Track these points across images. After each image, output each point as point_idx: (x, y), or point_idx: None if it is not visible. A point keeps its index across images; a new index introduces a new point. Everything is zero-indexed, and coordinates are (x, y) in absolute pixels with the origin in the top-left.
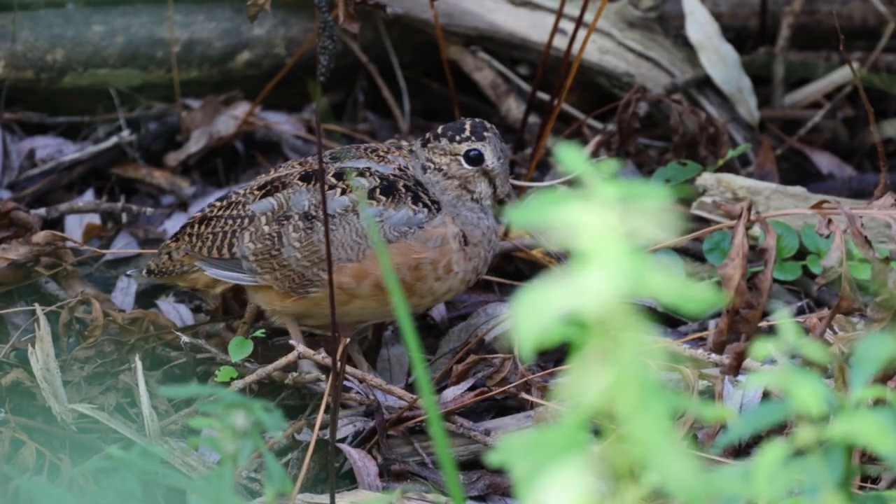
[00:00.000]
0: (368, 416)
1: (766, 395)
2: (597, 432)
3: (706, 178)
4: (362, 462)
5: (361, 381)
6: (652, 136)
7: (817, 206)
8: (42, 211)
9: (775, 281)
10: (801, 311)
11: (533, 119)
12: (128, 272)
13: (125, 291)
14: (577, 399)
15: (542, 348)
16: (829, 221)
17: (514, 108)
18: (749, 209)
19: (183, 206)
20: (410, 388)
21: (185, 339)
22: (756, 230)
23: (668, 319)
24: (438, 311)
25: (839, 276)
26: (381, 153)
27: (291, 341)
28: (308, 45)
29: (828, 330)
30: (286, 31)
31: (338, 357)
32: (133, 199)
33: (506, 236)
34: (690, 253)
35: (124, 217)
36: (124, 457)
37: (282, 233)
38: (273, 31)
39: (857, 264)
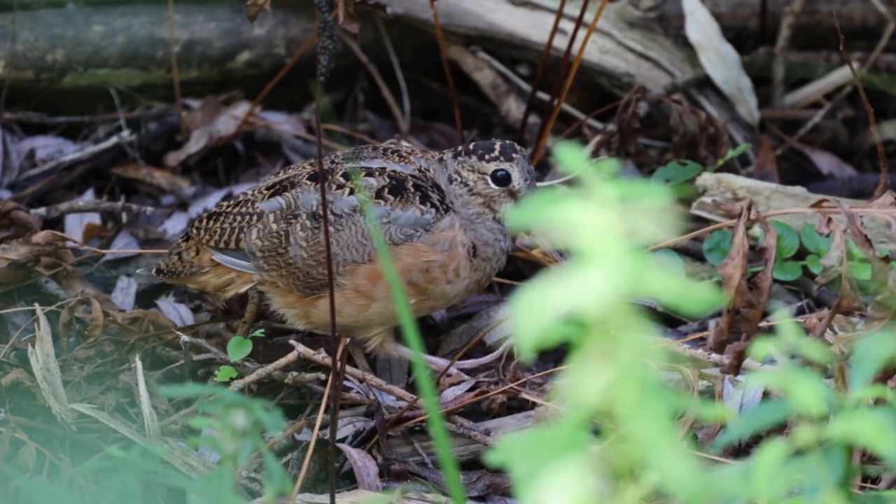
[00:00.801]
0: (368, 416)
1: (766, 395)
2: (597, 432)
3: (706, 178)
4: (362, 462)
5: (361, 380)
6: (652, 136)
7: (817, 205)
8: (42, 211)
9: (775, 281)
10: (801, 311)
11: (533, 119)
12: (137, 270)
13: (125, 291)
14: (576, 399)
15: (541, 348)
16: (829, 221)
17: (514, 108)
18: (749, 209)
19: (183, 206)
20: (411, 388)
21: (185, 338)
22: (756, 230)
23: (668, 319)
24: (439, 312)
25: (839, 275)
26: (404, 154)
27: (291, 341)
28: (308, 45)
29: (828, 330)
30: (286, 31)
31: (338, 357)
32: (133, 199)
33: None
34: (690, 253)
35: (124, 217)
36: (124, 457)
37: (289, 231)
38: (273, 31)
39: (857, 264)
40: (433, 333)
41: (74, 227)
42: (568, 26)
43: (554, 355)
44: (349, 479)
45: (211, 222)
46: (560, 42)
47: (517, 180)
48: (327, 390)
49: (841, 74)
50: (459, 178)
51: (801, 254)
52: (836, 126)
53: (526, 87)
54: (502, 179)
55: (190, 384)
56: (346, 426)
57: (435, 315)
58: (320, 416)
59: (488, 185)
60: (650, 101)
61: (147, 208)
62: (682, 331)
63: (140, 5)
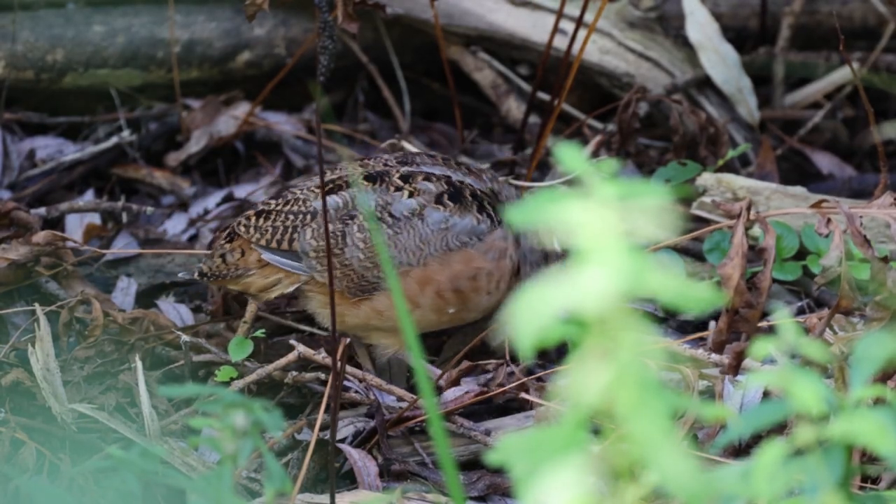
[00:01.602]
0: (369, 416)
1: (766, 395)
2: (597, 432)
3: (706, 179)
4: (362, 462)
5: (362, 380)
6: (652, 136)
7: (816, 205)
8: (42, 211)
9: (775, 281)
10: (801, 311)
11: (533, 119)
12: (179, 274)
13: (125, 291)
14: (576, 398)
15: (541, 347)
16: (829, 221)
17: (514, 108)
18: (748, 209)
19: (183, 206)
20: (411, 388)
21: (185, 338)
22: (756, 230)
23: (669, 319)
24: None
25: (839, 275)
26: (475, 170)
27: (291, 341)
28: (308, 45)
29: (827, 329)
30: (286, 31)
31: (338, 357)
32: (133, 200)
33: None
34: (691, 253)
35: (124, 217)
36: (124, 457)
37: (346, 232)
38: (273, 31)
39: (857, 264)
40: (433, 333)
41: (74, 227)
42: (568, 26)
43: (554, 354)
44: (349, 479)
45: (261, 220)
46: (560, 42)
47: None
48: (327, 390)
49: (841, 74)
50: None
51: (802, 254)
52: (836, 126)
53: (526, 87)
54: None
55: (190, 384)
56: (347, 426)
57: None
58: (320, 417)
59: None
60: (650, 102)
61: (147, 208)
62: (683, 330)
63: (140, 5)
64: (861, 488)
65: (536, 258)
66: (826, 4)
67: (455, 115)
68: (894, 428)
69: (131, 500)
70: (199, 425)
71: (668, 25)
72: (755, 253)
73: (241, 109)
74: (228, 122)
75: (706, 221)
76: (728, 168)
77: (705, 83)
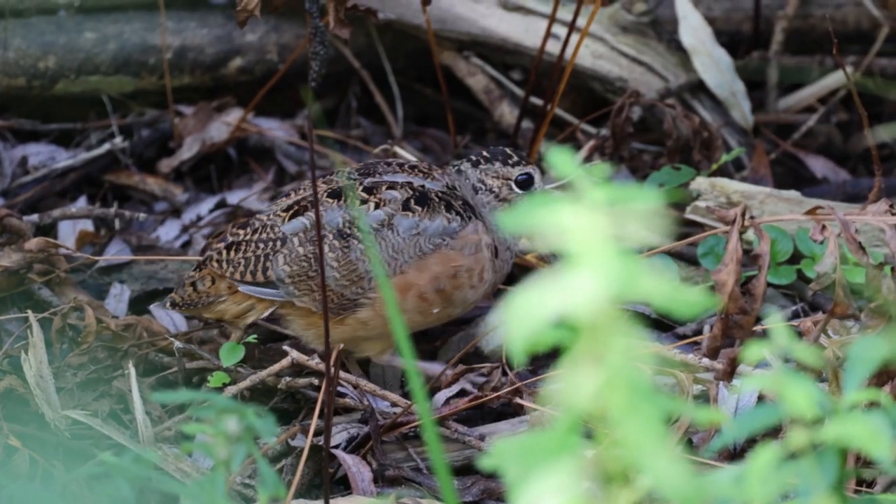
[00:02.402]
0: (363, 421)
1: (761, 399)
2: (590, 436)
3: (700, 183)
4: (357, 468)
5: (356, 386)
6: (646, 140)
7: (811, 212)
8: (35, 217)
9: (770, 285)
10: (795, 315)
11: (526, 124)
12: (150, 307)
13: (118, 298)
14: (568, 403)
15: (533, 352)
16: (823, 227)
17: (507, 113)
18: (743, 215)
19: (176, 212)
20: (405, 394)
21: (178, 345)
22: (750, 234)
23: (662, 324)
24: None
25: (833, 281)
26: (425, 170)
27: (285, 347)
28: (300, 51)
29: (822, 333)
30: (278, 37)
31: (331, 363)
32: (126, 206)
33: None
34: (685, 257)
35: (117, 223)
36: (118, 463)
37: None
38: (265, 37)
39: (852, 268)
40: (427, 338)
41: (67, 233)
42: (561, 31)
43: (547, 360)
44: (343, 485)
45: (232, 253)
46: (553, 47)
47: (538, 183)
48: (321, 396)
49: (835, 78)
50: (484, 187)
51: (796, 258)
52: (830, 130)
53: (519, 92)
54: (525, 183)
55: (183, 390)
56: (341, 432)
57: None
58: (314, 422)
59: (512, 190)
60: (644, 106)
61: (140, 215)
62: (678, 333)
63: (132, 12)
64: (856, 492)
65: (510, 241)
66: (819, 8)
67: (448, 121)
68: (888, 432)
69: None
70: (192, 431)
71: (661, 30)
72: (749, 258)
73: (234, 115)
74: (221, 128)
75: (700, 226)
76: (722, 172)
77: (699, 87)
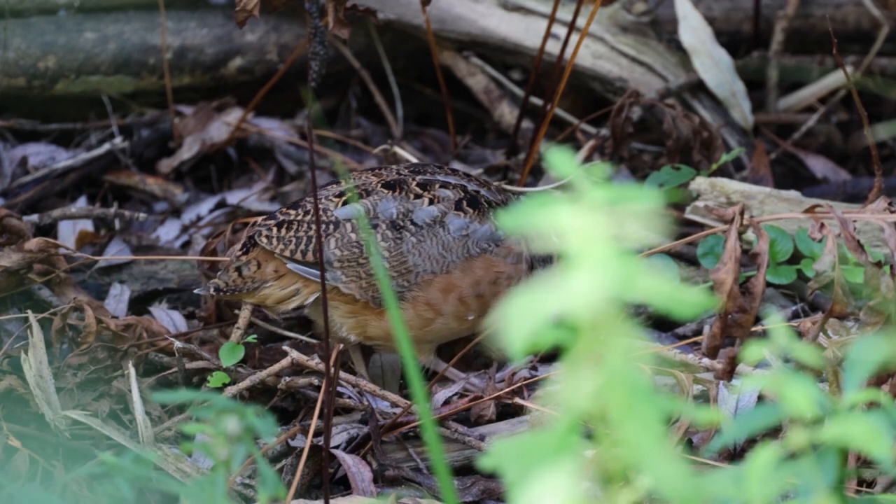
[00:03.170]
0: (363, 422)
1: (761, 399)
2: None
3: (700, 183)
4: (356, 468)
5: (355, 386)
6: (645, 140)
7: (810, 210)
8: (35, 217)
9: (769, 284)
10: (795, 315)
11: (526, 124)
12: (195, 290)
13: (118, 298)
14: (568, 403)
15: (533, 352)
16: (822, 226)
17: (507, 113)
18: (741, 214)
19: (176, 212)
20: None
21: (178, 345)
22: (750, 234)
23: (664, 323)
24: None
25: (832, 280)
26: (480, 181)
27: (285, 347)
28: (300, 51)
29: (821, 333)
30: (278, 37)
31: (331, 363)
32: (126, 206)
33: None
34: (684, 257)
35: (117, 223)
36: (117, 463)
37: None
38: (265, 37)
39: (851, 268)
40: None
41: (67, 233)
42: (560, 31)
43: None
44: (343, 485)
45: (283, 230)
46: (553, 47)
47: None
48: (321, 396)
49: (835, 78)
50: None
51: (796, 257)
52: (830, 130)
53: (519, 92)
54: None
55: (183, 390)
56: (341, 432)
57: None
58: (314, 422)
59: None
60: (643, 106)
61: (140, 215)
62: (679, 332)
63: (132, 12)
64: (857, 492)
65: (545, 256)
66: (820, 8)
67: (448, 121)
68: (887, 432)
69: None
70: (192, 431)
71: (661, 30)
72: (749, 258)
73: (234, 115)
74: (221, 128)
75: (700, 226)
76: (722, 172)
77: (699, 87)
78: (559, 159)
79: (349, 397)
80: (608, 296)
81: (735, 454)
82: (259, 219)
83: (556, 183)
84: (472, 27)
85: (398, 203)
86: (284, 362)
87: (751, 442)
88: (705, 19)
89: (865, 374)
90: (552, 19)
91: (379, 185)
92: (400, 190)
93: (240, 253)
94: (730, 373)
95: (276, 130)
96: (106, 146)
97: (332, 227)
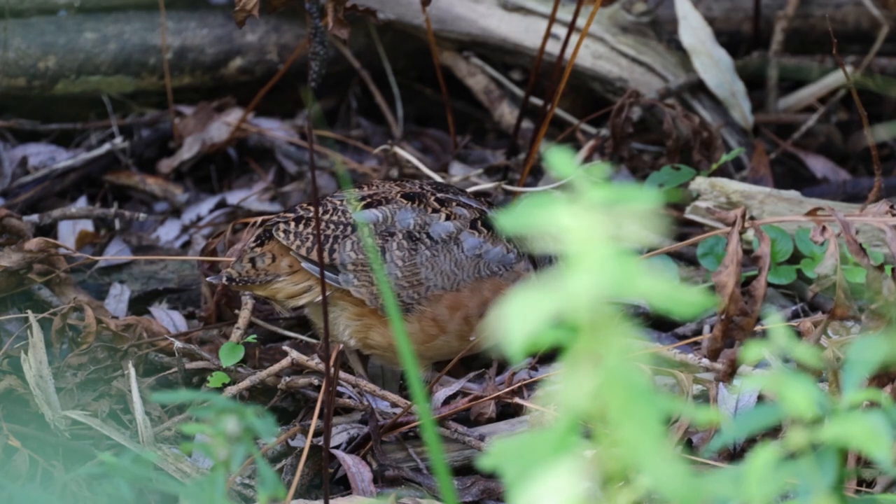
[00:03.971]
0: (363, 422)
1: (761, 399)
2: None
3: (700, 183)
4: (356, 468)
5: (355, 386)
6: (645, 140)
7: (811, 213)
8: (35, 217)
9: (770, 285)
10: (795, 315)
11: (526, 124)
12: (208, 278)
13: (118, 298)
14: (567, 403)
15: (532, 352)
16: (824, 229)
17: (507, 113)
18: (743, 217)
19: (176, 212)
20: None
21: (178, 345)
22: (750, 234)
23: (664, 323)
24: None
25: (834, 283)
26: (491, 202)
27: (285, 346)
28: (300, 51)
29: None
30: (278, 37)
31: (331, 363)
32: (126, 206)
33: None
34: (684, 257)
35: (117, 223)
36: (117, 463)
37: (385, 248)
38: (265, 37)
39: (852, 268)
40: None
41: (67, 233)
42: (561, 31)
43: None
44: (343, 485)
45: (301, 227)
46: (553, 47)
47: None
48: (321, 396)
49: (835, 78)
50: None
51: (796, 258)
52: (830, 130)
53: (519, 92)
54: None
55: (183, 391)
56: (341, 432)
57: None
58: (314, 422)
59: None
60: (643, 106)
61: (140, 215)
62: (679, 332)
63: (132, 12)
64: (856, 492)
65: (548, 258)
66: (819, 8)
67: (448, 121)
68: (887, 432)
69: None
70: (192, 431)
71: (661, 30)
72: (750, 259)
73: (234, 116)
74: (221, 128)
75: (700, 226)
76: (722, 172)
77: (699, 87)
78: (559, 159)
79: (349, 397)
80: (606, 296)
81: (735, 454)
82: (259, 218)
83: (556, 183)
84: (473, 27)
85: (416, 215)
86: (284, 362)
87: (750, 442)
88: (705, 19)
89: (864, 374)
90: (552, 19)
91: (399, 195)
92: (419, 202)
93: (254, 244)
94: (730, 375)
95: (276, 130)
96: (106, 146)
97: (349, 229)
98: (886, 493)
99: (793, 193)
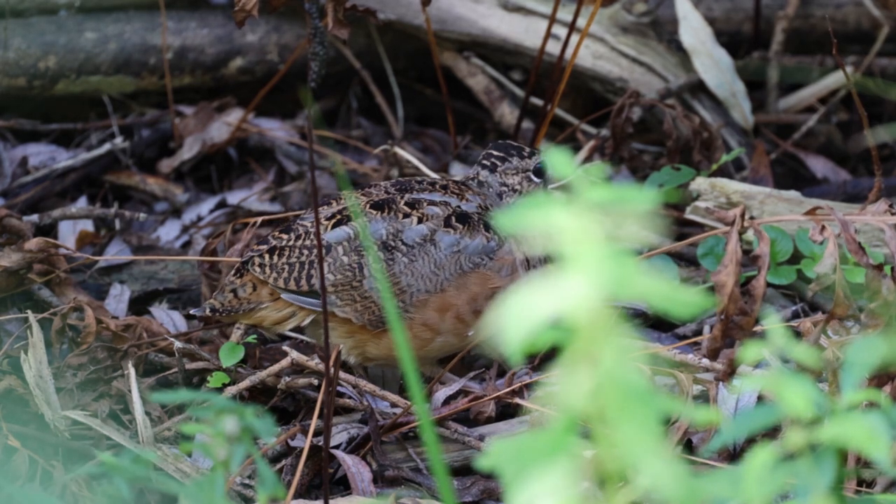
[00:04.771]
0: (363, 422)
1: (761, 399)
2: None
3: (700, 183)
4: (356, 468)
5: (355, 386)
6: (646, 140)
7: (811, 212)
8: (35, 217)
9: (770, 285)
10: (795, 315)
11: (526, 124)
12: (191, 311)
13: (118, 298)
14: (565, 403)
15: (530, 353)
16: (823, 228)
17: (507, 113)
18: (742, 216)
19: (176, 212)
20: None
21: (178, 345)
22: (750, 234)
23: (664, 323)
24: None
25: (833, 282)
26: (457, 190)
27: (285, 347)
28: (301, 51)
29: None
30: (279, 37)
31: (331, 363)
32: (126, 206)
33: None
34: (684, 257)
35: (117, 223)
36: (117, 463)
37: (362, 263)
38: (265, 37)
39: (852, 268)
40: None
41: (67, 233)
42: (561, 32)
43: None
44: (343, 485)
45: (275, 258)
46: (553, 47)
47: (549, 168)
48: (321, 396)
49: (835, 78)
50: (508, 188)
51: (796, 258)
52: (830, 130)
53: (519, 92)
54: (541, 171)
55: (183, 391)
56: (340, 432)
57: None
58: (314, 422)
59: (531, 181)
60: (644, 106)
61: (140, 215)
62: (679, 333)
63: (132, 12)
64: (856, 492)
65: (540, 257)
66: (820, 8)
67: (448, 121)
68: (886, 432)
69: None
70: (191, 431)
71: (662, 30)
72: (749, 259)
73: (234, 116)
74: (221, 128)
75: (700, 226)
76: (722, 172)
77: (699, 88)
78: (557, 160)
79: (349, 397)
80: (604, 296)
81: (734, 454)
82: (258, 219)
83: (557, 183)
84: (473, 27)
85: (387, 223)
86: (284, 362)
87: (750, 442)
88: (705, 19)
89: (863, 374)
90: (552, 20)
91: (367, 205)
92: (388, 210)
93: (234, 277)
94: (730, 374)
95: (276, 131)
96: (106, 146)
97: (323, 251)
98: (886, 494)
99: (793, 194)
